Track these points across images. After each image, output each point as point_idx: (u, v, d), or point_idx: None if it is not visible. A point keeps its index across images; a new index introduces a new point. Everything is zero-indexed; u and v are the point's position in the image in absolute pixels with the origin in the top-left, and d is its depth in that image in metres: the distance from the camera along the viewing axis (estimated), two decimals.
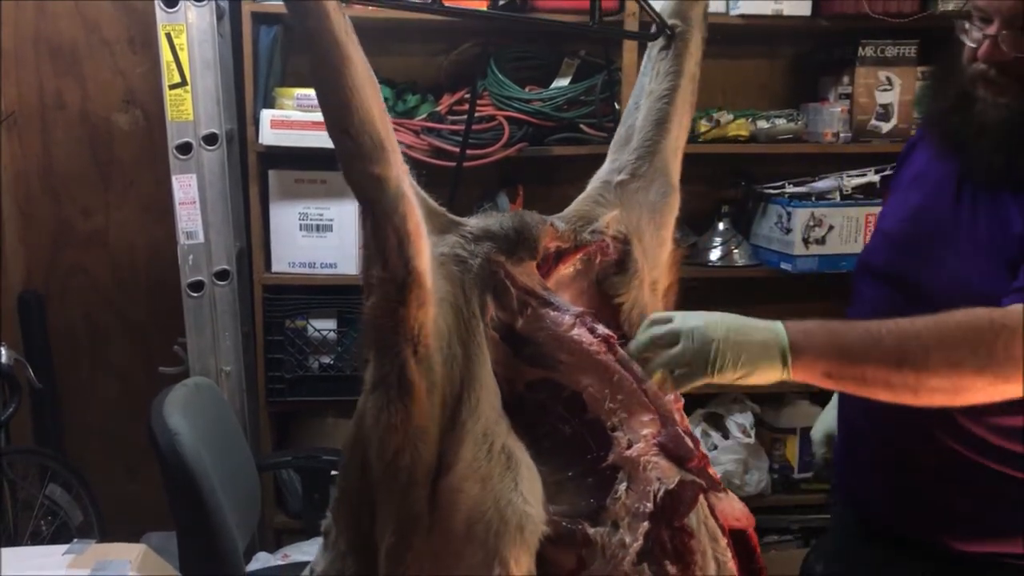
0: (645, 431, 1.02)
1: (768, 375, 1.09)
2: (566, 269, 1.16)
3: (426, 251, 0.97)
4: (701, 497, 1.00)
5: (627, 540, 0.97)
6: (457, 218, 1.12)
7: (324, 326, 2.67)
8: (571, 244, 1.15)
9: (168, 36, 2.45)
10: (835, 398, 1.73)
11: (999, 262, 1.25)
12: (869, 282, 1.47)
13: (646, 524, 0.97)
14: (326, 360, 2.68)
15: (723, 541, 1.00)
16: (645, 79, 1.30)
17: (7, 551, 1.67)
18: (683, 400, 1.16)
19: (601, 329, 1.06)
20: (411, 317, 0.95)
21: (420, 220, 0.97)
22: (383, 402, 0.95)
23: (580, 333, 1.05)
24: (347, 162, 0.93)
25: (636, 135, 1.26)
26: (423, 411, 0.95)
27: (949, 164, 1.37)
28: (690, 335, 1.06)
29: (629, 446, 1.01)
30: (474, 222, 1.12)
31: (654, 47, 1.30)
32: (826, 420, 1.76)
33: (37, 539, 2.67)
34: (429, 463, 0.96)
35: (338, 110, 0.91)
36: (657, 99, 1.26)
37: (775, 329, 1.10)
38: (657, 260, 1.22)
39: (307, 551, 2.43)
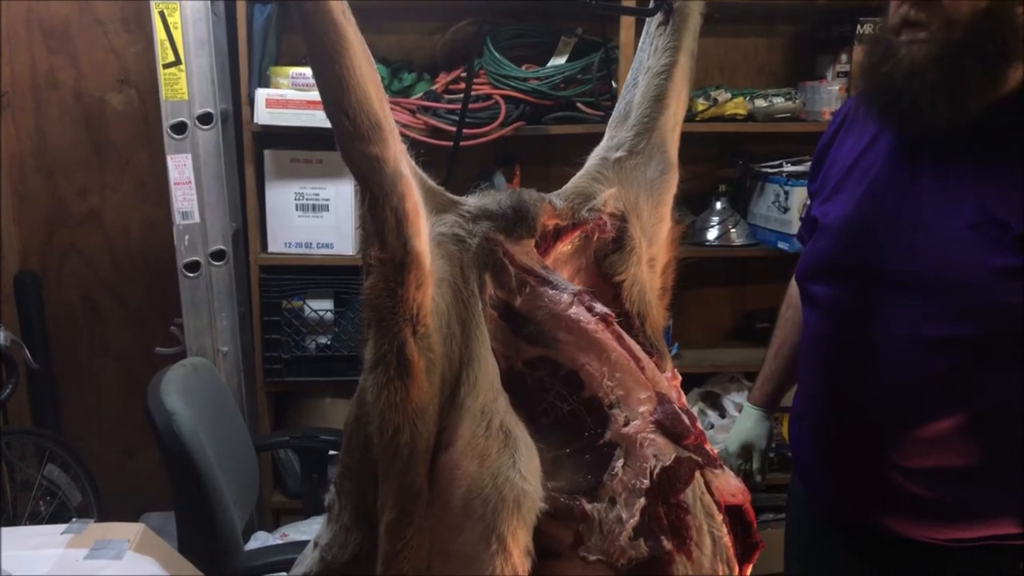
0: (642, 408, 1.02)
1: None
2: (564, 247, 1.15)
3: (424, 231, 0.97)
4: (697, 474, 1.01)
5: (623, 516, 0.97)
6: (455, 197, 1.12)
7: (321, 306, 2.67)
8: (569, 222, 1.15)
9: (161, 15, 2.43)
10: (752, 409, 1.72)
11: (985, 229, 1.21)
12: (823, 285, 1.42)
13: (642, 500, 0.97)
14: (323, 340, 2.69)
15: (719, 517, 1.01)
16: (643, 54, 1.30)
17: (6, 530, 1.67)
18: (680, 378, 1.17)
19: (599, 307, 1.06)
20: (409, 297, 0.95)
21: (418, 200, 0.97)
22: (382, 381, 0.95)
23: (578, 311, 1.05)
24: (345, 143, 0.93)
25: (634, 111, 1.26)
26: (422, 390, 0.96)
27: (888, 142, 1.34)
28: None
29: (626, 423, 1.02)
30: (472, 201, 1.12)
31: (652, 22, 1.30)
32: (742, 431, 1.73)
33: (36, 519, 2.68)
34: (428, 440, 0.97)
35: (335, 91, 0.91)
36: (655, 75, 1.26)
37: None
38: (656, 237, 1.22)
39: (305, 530, 2.44)
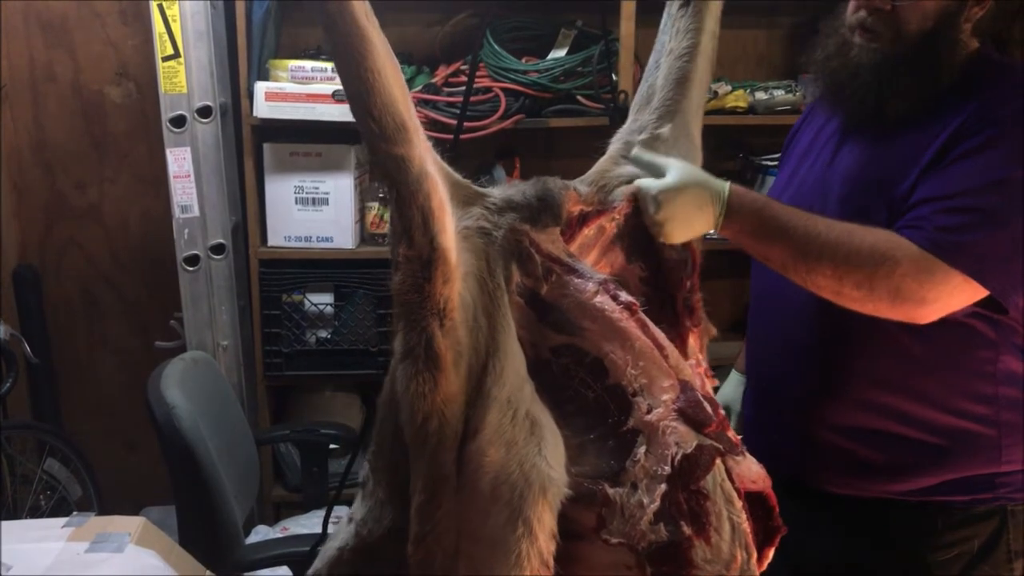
0: (665, 396, 1.04)
1: (702, 230, 1.24)
2: (590, 231, 1.18)
3: (450, 228, 1.00)
4: (718, 460, 1.03)
5: (645, 501, 1.00)
6: (480, 189, 1.14)
7: (321, 300, 2.67)
8: (594, 207, 1.17)
9: (160, 8, 2.42)
10: (734, 374, 1.81)
11: (882, 200, 1.31)
12: None
13: (663, 486, 1.00)
14: (323, 334, 2.68)
15: (738, 503, 1.02)
16: (665, 37, 1.31)
17: (7, 524, 1.67)
18: (705, 364, 1.19)
19: (624, 296, 1.08)
20: (437, 292, 0.98)
21: (444, 198, 1.00)
22: (412, 372, 0.99)
23: (603, 300, 1.08)
24: (371, 143, 0.96)
25: (657, 94, 1.27)
26: (449, 380, 0.99)
27: (832, 125, 1.46)
28: (646, 198, 1.20)
29: (649, 411, 1.04)
30: (497, 192, 1.14)
31: (673, 5, 1.30)
32: (722, 393, 1.82)
33: (36, 514, 2.68)
34: (456, 428, 1.00)
35: (361, 94, 0.93)
36: (677, 57, 1.27)
37: (720, 191, 1.24)
38: None
39: (306, 524, 2.44)
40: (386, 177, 0.97)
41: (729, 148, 2.93)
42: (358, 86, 0.92)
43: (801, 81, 2.83)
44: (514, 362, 1.03)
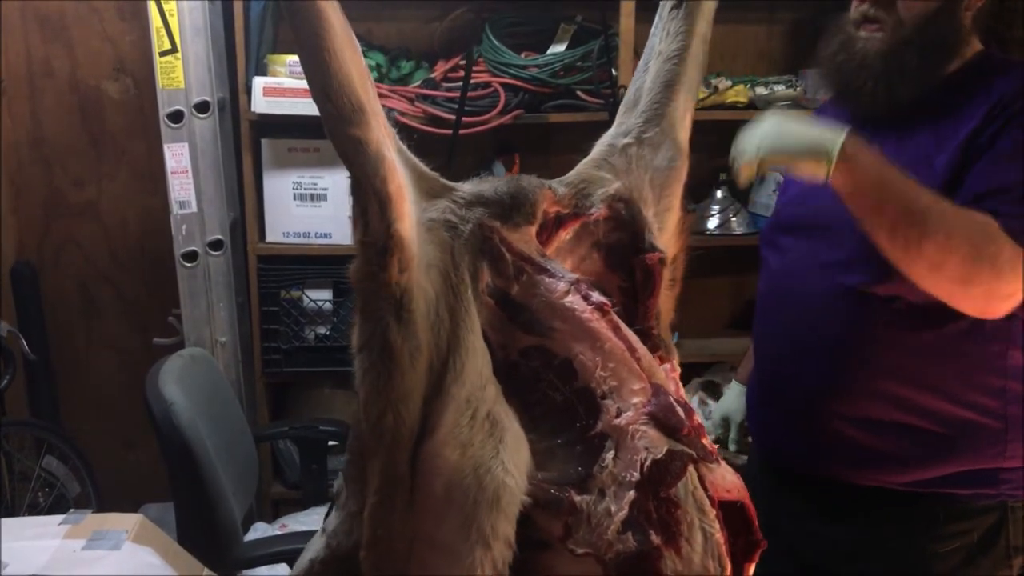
0: (635, 400, 1.00)
1: (811, 171, 1.23)
2: (567, 235, 1.14)
3: (408, 215, 0.97)
4: (691, 468, 0.98)
5: (612, 509, 0.95)
6: (449, 183, 1.11)
7: (320, 296, 2.66)
8: (571, 210, 1.14)
9: (158, 3, 2.41)
10: (734, 384, 1.83)
11: None
12: (782, 238, 1.54)
13: (632, 493, 0.95)
14: (322, 331, 2.67)
15: (711, 512, 0.97)
16: (655, 39, 1.28)
17: (4, 521, 1.66)
18: (679, 369, 1.16)
19: (596, 296, 1.04)
20: (392, 282, 0.95)
21: (403, 184, 0.97)
22: (366, 364, 0.95)
23: (573, 300, 1.03)
24: (330, 125, 0.94)
25: (644, 97, 1.24)
26: (405, 376, 0.96)
27: (844, 117, 1.44)
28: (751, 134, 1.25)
29: (618, 415, 1.00)
30: (467, 187, 1.11)
31: (665, 6, 1.28)
32: (722, 404, 1.84)
33: (34, 511, 2.68)
34: (412, 426, 0.97)
35: (318, 75, 0.91)
36: (666, 60, 1.24)
37: (833, 135, 1.22)
38: (664, 226, 1.21)
39: (304, 521, 2.43)
40: (344, 160, 0.94)
41: (729, 144, 2.90)
42: (315, 66, 0.91)
43: (802, 76, 2.81)
44: (476, 360, 0.99)
